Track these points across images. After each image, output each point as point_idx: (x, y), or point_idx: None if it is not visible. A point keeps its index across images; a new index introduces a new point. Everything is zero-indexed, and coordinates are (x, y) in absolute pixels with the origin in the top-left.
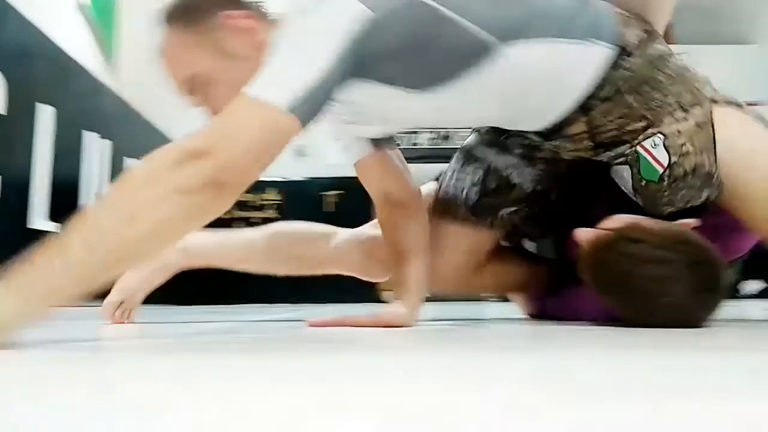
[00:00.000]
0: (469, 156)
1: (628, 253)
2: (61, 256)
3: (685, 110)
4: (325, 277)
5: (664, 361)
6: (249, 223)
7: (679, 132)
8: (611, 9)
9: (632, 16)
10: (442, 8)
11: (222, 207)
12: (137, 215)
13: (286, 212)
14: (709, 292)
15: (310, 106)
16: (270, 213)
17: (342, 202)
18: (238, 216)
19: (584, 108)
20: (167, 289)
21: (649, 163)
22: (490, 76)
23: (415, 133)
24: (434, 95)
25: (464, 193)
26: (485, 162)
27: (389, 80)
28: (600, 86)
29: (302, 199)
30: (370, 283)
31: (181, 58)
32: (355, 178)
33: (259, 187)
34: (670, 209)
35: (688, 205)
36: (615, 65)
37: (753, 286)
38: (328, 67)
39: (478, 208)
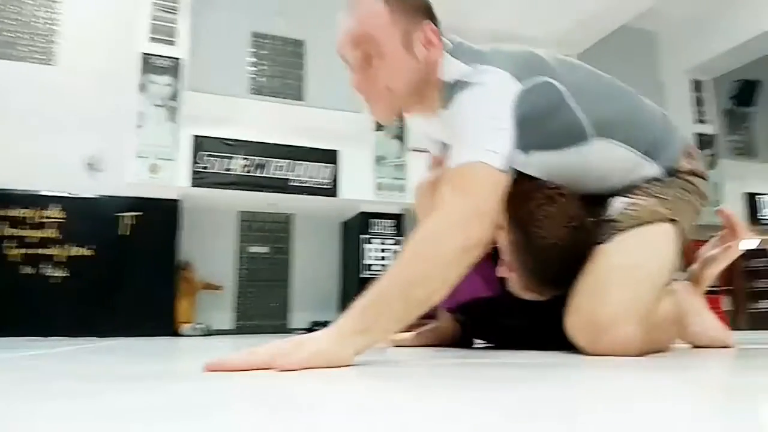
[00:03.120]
0: None
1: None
2: (383, 304)
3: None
4: (112, 311)
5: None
6: (23, 242)
7: (639, 205)
8: (685, 144)
9: (696, 155)
10: (567, 94)
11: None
12: (436, 270)
13: (69, 232)
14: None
15: (511, 163)
16: (50, 232)
17: (139, 224)
18: (13, 234)
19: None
20: None
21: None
22: (574, 155)
23: (229, 158)
24: (528, 158)
25: None
26: None
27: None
28: (634, 185)
29: (91, 219)
30: (165, 315)
31: (378, 22)
32: (155, 199)
33: (40, 202)
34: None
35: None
36: (655, 178)
37: None
38: (511, 130)
39: None
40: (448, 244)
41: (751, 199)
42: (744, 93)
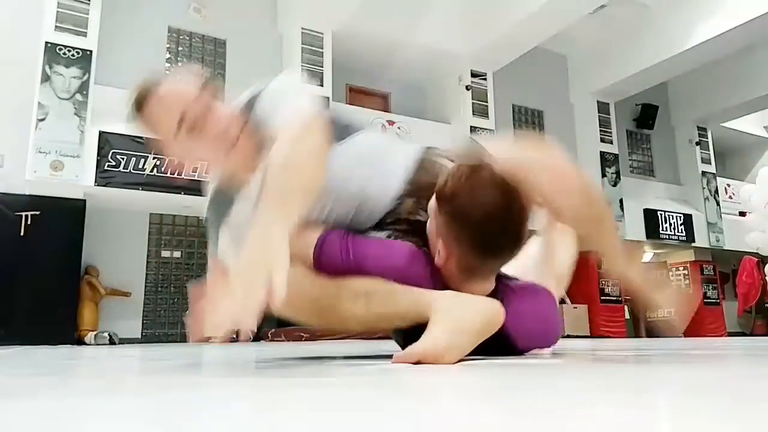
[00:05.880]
0: None
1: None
2: (277, 188)
3: None
4: (8, 317)
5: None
6: None
7: None
8: None
9: None
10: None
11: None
12: (298, 165)
13: None
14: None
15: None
16: None
17: (39, 225)
18: None
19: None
20: None
21: None
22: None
23: (141, 156)
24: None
25: None
26: None
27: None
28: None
29: None
30: (67, 322)
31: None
32: (58, 198)
33: None
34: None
35: None
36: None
37: None
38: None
39: None
40: (298, 149)
41: (652, 215)
42: (644, 116)
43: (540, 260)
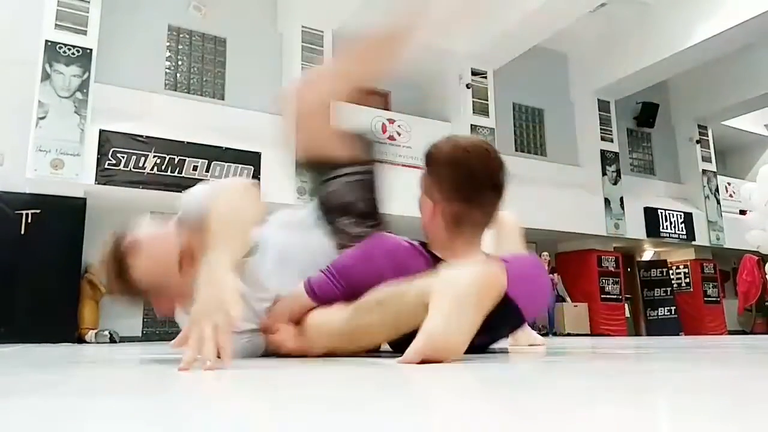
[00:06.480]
0: None
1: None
2: (217, 231)
3: None
4: (8, 315)
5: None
6: None
7: None
8: None
9: None
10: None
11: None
12: (242, 206)
13: None
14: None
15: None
16: None
17: (39, 223)
18: None
19: None
20: None
21: None
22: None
23: (141, 155)
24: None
25: None
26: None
27: None
28: None
29: None
30: (68, 320)
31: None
32: (58, 197)
33: None
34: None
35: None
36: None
37: None
38: None
39: None
40: (231, 191)
41: (652, 213)
42: (645, 115)
43: (498, 239)
